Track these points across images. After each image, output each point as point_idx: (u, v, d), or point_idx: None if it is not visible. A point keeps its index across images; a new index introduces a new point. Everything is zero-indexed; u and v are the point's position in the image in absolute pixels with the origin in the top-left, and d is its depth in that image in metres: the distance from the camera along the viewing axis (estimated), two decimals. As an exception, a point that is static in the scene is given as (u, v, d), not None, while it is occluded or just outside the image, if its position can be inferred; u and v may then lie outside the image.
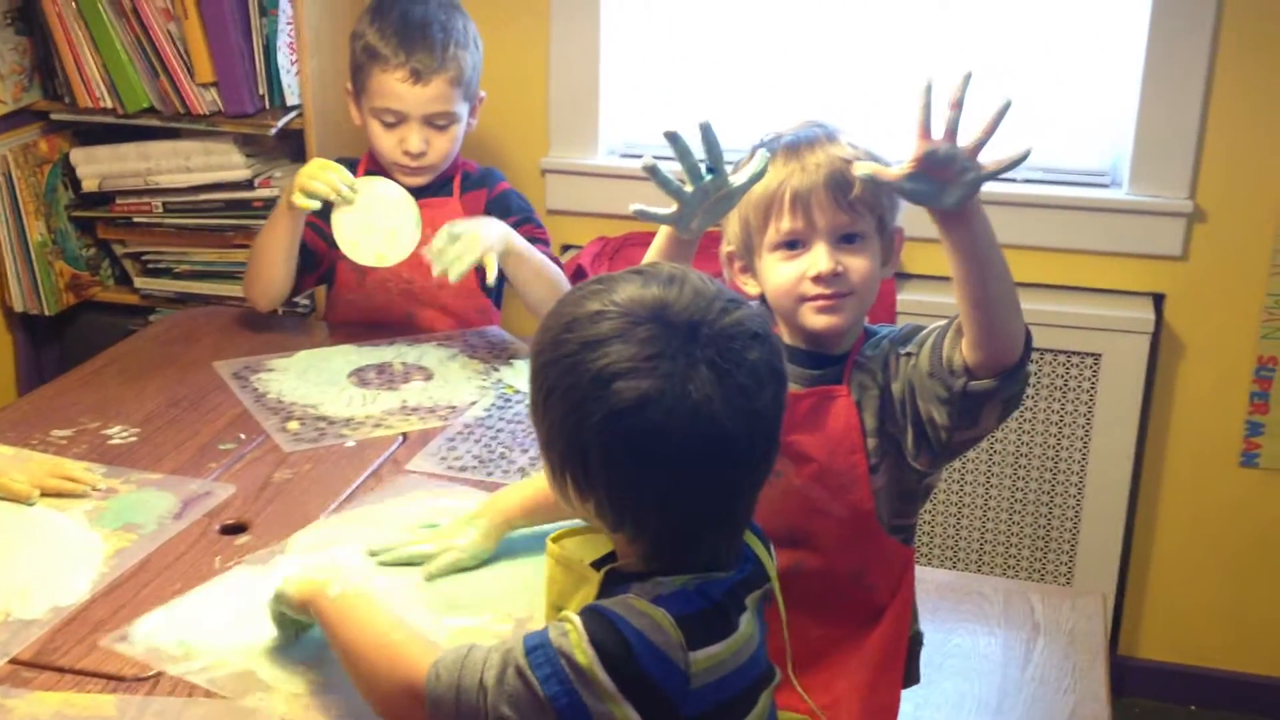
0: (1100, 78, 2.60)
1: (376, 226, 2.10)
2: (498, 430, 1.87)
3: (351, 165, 2.24)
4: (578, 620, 1.08)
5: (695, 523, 1.12)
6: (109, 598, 1.44)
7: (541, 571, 1.26)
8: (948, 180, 1.28)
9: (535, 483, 1.53)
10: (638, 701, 1.05)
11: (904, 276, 2.61)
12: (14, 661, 1.32)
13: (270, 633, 1.34)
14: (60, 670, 1.31)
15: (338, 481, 1.72)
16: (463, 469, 1.76)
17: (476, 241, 1.98)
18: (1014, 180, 2.61)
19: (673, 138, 1.36)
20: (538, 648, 1.07)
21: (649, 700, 1.06)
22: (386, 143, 2.16)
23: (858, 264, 1.46)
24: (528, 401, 1.16)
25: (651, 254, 1.47)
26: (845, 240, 1.46)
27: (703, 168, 1.37)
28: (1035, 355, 2.53)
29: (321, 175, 2.07)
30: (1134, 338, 2.52)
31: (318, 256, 2.21)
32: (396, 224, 2.10)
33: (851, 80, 2.67)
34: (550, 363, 1.10)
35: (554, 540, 1.23)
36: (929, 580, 1.82)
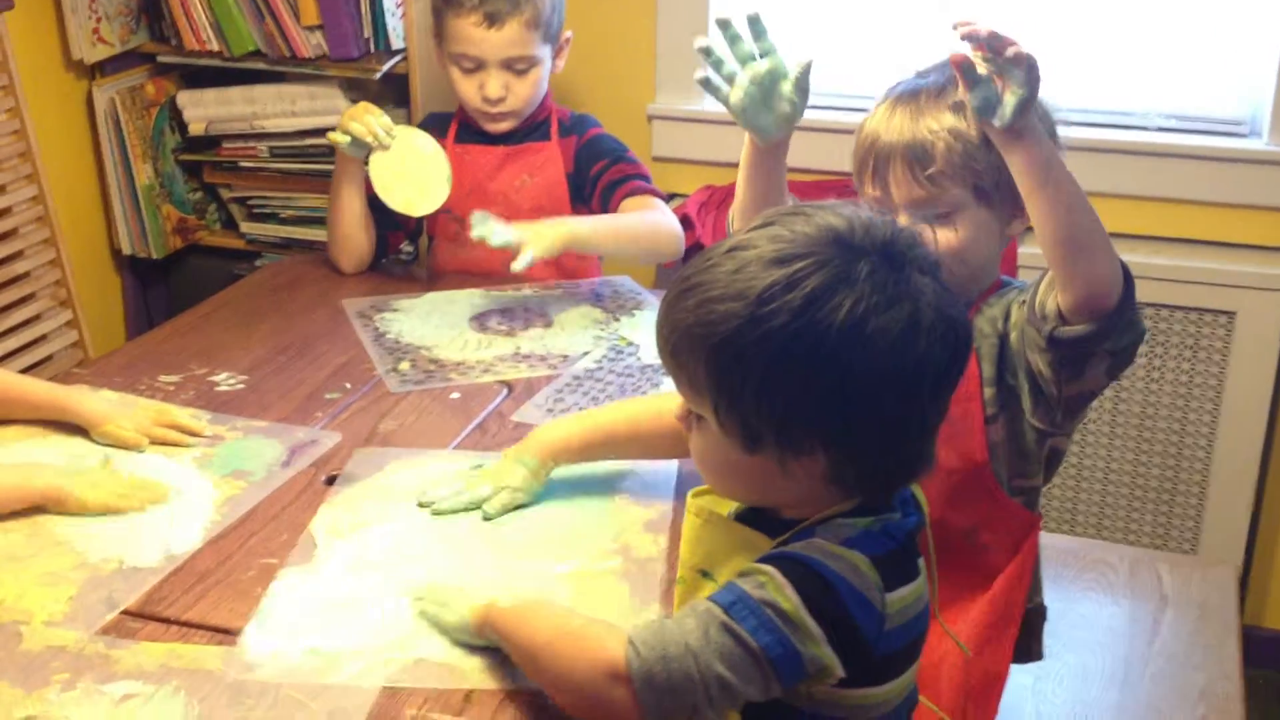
0: (1238, 20, 2.45)
1: (409, 175, 2.09)
2: (607, 383, 1.83)
3: (446, 119, 2.21)
4: (771, 568, 1.04)
5: (914, 451, 1.09)
6: (215, 547, 1.42)
7: (582, 511, 1.34)
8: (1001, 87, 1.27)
9: (583, 420, 1.53)
10: (838, 645, 1.03)
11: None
12: (122, 611, 1.31)
13: (390, 617, 1.29)
14: (166, 621, 1.30)
15: (443, 433, 1.68)
16: (568, 421, 1.72)
17: (522, 229, 1.95)
18: (1145, 129, 2.48)
19: (723, 25, 1.45)
20: (736, 602, 1.04)
21: (849, 643, 1.04)
22: (467, 89, 2.13)
23: (944, 237, 1.42)
24: (702, 387, 1.07)
25: (742, 169, 1.51)
26: (932, 214, 1.41)
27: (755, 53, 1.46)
28: (1165, 312, 2.45)
29: (362, 117, 2.06)
30: (1270, 295, 2.39)
31: (402, 220, 2.18)
32: (427, 177, 2.09)
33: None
34: (764, 337, 1.02)
35: (695, 497, 1.18)
36: (1050, 546, 1.74)
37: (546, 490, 1.50)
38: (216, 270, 2.77)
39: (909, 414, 1.06)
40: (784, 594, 1.03)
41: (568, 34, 2.20)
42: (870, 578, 1.05)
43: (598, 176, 2.16)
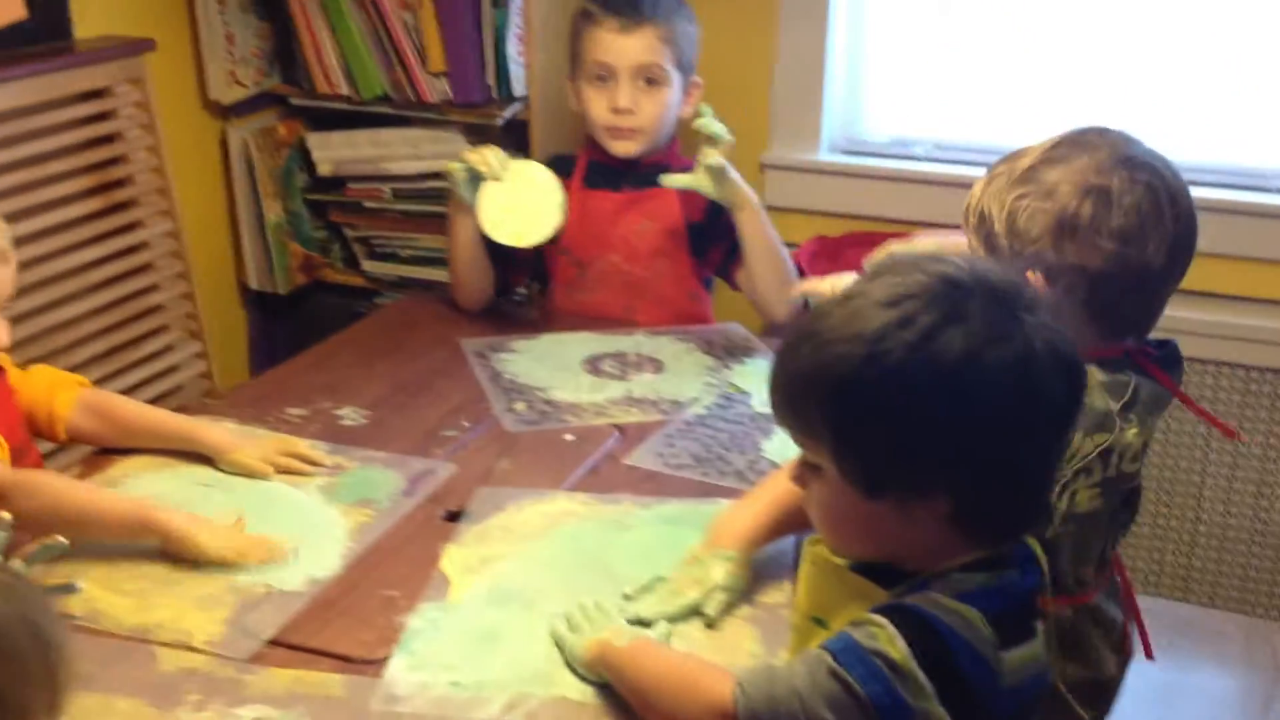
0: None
1: (521, 206, 2.14)
2: (717, 430, 1.85)
3: (570, 161, 2.26)
4: (883, 619, 1.05)
5: (1035, 495, 1.10)
6: (340, 578, 1.47)
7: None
8: None
9: (756, 504, 1.46)
10: (948, 700, 1.03)
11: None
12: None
13: (528, 653, 1.33)
14: (293, 648, 1.35)
15: (558, 474, 1.72)
16: (679, 466, 1.75)
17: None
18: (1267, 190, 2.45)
19: None
20: (846, 650, 1.05)
21: (960, 699, 1.04)
22: (598, 105, 2.18)
23: None
24: (821, 433, 1.08)
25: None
26: None
27: None
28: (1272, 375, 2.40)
29: (476, 154, 2.14)
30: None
31: (522, 253, 2.23)
32: (540, 205, 2.13)
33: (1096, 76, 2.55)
34: (882, 375, 1.03)
35: (812, 545, 1.19)
36: (1163, 614, 1.71)
37: (677, 536, 1.51)
38: (337, 307, 2.85)
39: (1030, 451, 1.07)
40: (895, 645, 1.04)
41: (697, 78, 2.25)
42: (985, 634, 1.05)
43: (717, 240, 2.20)
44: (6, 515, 1.30)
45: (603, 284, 2.22)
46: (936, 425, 1.04)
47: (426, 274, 2.81)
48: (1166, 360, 1.45)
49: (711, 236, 2.21)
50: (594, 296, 2.22)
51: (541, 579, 1.46)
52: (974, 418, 1.03)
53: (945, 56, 2.64)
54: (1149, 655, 1.55)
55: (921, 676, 1.03)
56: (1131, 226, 1.35)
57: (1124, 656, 1.54)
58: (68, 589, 1.33)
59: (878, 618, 1.06)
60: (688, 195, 2.19)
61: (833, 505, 1.12)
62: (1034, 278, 1.36)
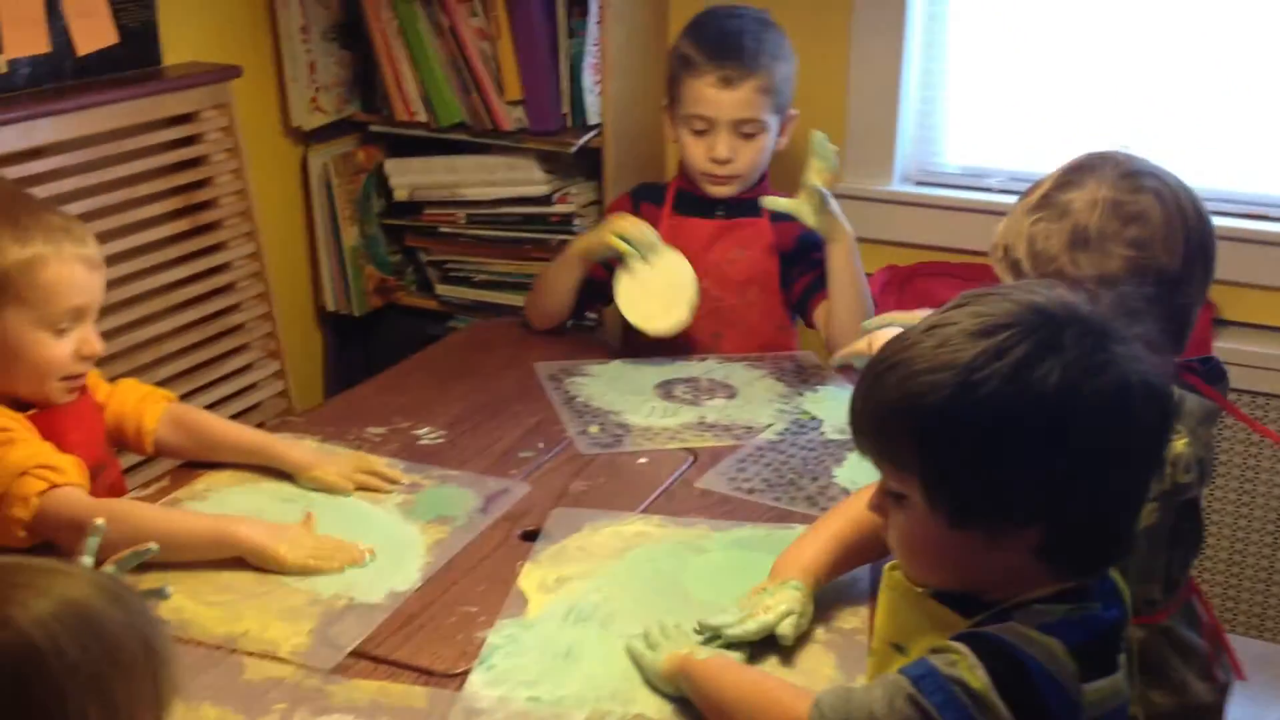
0: None
1: (656, 291, 2.15)
2: (789, 456, 1.86)
3: (660, 190, 2.28)
4: (963, 647, 1.06)
5: (1124, 526, 1.10)
6: (419, 593, 1.50)
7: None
8: None
9: (819, 537, 1.46)
10: None
11: (1222, 323, 2.46)
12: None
13: (607, 671, 1.35)
14: (376, 660, 1.37)
15: (632, 496, 1.74)
16: (750, 491, 1.76)
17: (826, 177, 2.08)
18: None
19: None
20: (924, 676, 1.06)
21: None
22: (695, 152, 2.20)
23: None
24: (909, 464, 1.08)
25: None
26: None
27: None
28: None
29: (635, 229, 2.14)
30: None
31: (600, 286, 2.25)
32: (675, 298, 2.14)
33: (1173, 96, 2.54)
34: (976, 405, 1.03)
35: (891, 570, 1.19)
36: (1241, 652, 1.69)
37: (751, 560, 1.52)
38: (411, 329, 2.89)
39: (1123, 483, 1.07)
40: (975, 674, 1.04)
41: (794, 111, 2.27)
42: (1067, 665, 1.05)
43: (796, 278, 2.22)
44: (100, 521, 1.35)
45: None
46: (1032, 457, 1.04)
47: (499, 298, 2.85)
48: (1210, 374, 1.47)
49: (798, 267, 2.22)
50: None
51: (617, 599, 1.48)
52: (1070, 449, 1.03)
53: (1021, 87, 2.64)
54: (1239, 675, 1.55)
55: (1001, 706, 1.03)
56: (1142, 232, 1.39)
57: (1214, 684, 1.53)
58: (159, 594, 1.37)
59: (959, 645, 1.06)
60: (780, 226, 2.20)
61: (916, 534, 1.12)
62: None
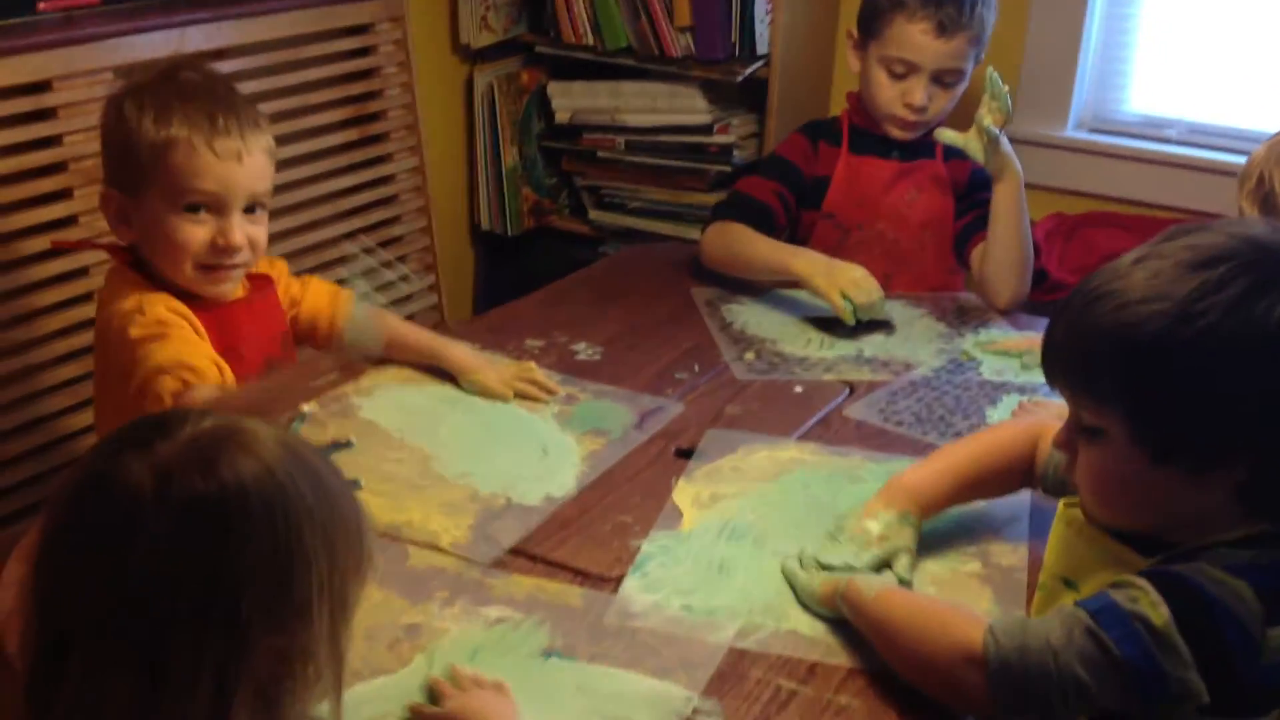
0: None
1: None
2: (942, 392, 1.83)
3: (832, 127, 2.23)
4: (1146, 583, 1.04)
5: None
6: (577, 501, 1.52)
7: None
8: None
9: (938, 468, 1.42)
10: (1207, 671, 1.01)
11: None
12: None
13: (758, 585, 1.35)
14: (533, 559, 1.40)
15: (786, 423, 1.73)
16: (899, 424, 1.74)
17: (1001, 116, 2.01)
18: None
19: None
20: (1104, 610, 1.04)
21: (1218, 669, 1.02)
22: (888, 94, 2.13)
23: None
24: (1113, 395, 1.06)
25: None
26: None
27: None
28: None
29: (865, 294, 1.98)
30: None
31: (779, 227, 2.23)
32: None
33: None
34: (1196, 337, 1.01)
35: (1069, 505, 1.18)
36: None
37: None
38: (562, 253, 2.92)
39: None
40: (1157, 610, 1.02)
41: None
42: (1253, 607, 1.03)
43: (958, 216, 2.17)
44: (306, 407, 1.39)
45: (863, 250, 2.18)
46: (1245, 391, 1.01)
47: (650, 226, 2.85)
48: None
49: (962, 204, 2.17)
50: (853, 261, 2.20)
51: (771, 520, 1.48)
52: None
53: (1215, 34, 2.53)
54: None
55: (1182, 644, 1.01)
56: None
57: None
58: (345, 445, 1.46)
59: (1141, 581, 1.05)
60: (954, 164, 2.15)
61: (1111, 471, 1.10)
62: None
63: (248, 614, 0.83)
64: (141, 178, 1.53)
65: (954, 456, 1.43)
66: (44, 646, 0.85)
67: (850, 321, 1.98)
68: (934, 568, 1.40)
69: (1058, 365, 1.11)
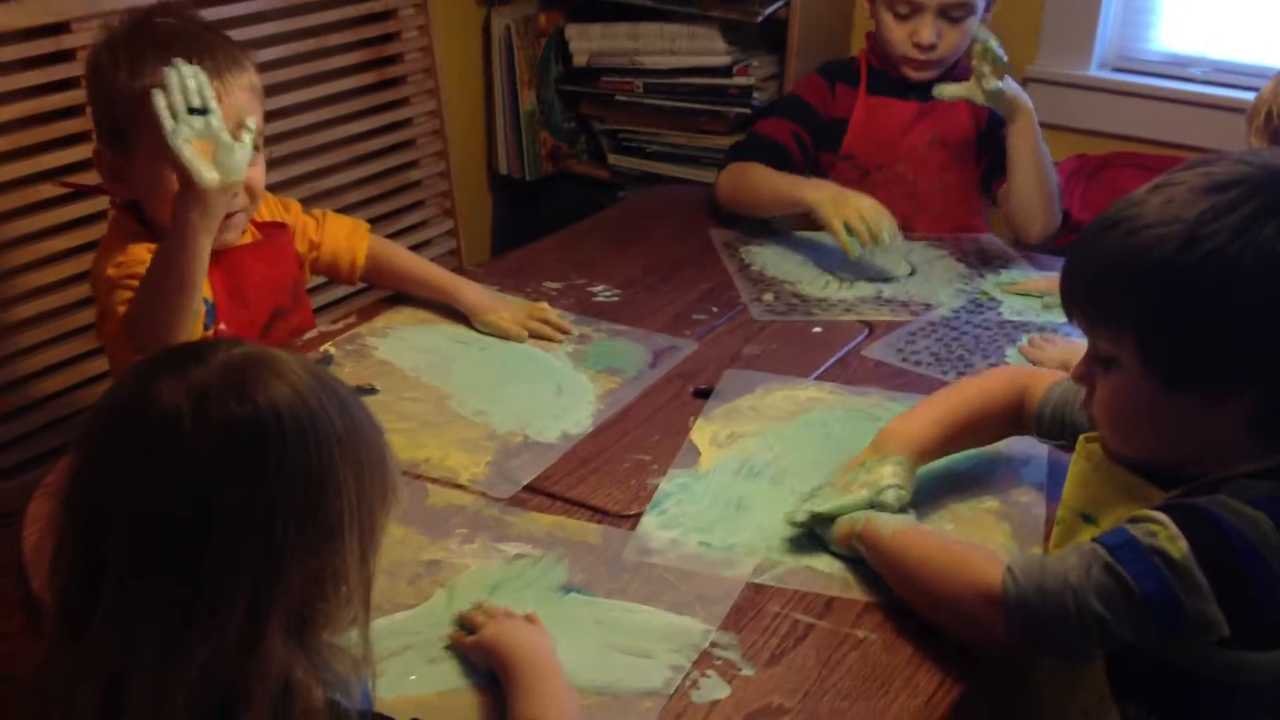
0: None
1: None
2: (961, 332, 1.83)
3: (849, 68, 2.21)
4: (1164, 517, 1.04)
5: None
6: (594, 439, 1.52)
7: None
8: None
9: (932, 414, 1.38)
10: (1225, 601, 1.01)
11: None
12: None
13: (775, 522, 1.35)
14: (551, 496, 1.40)
15: (804, 364, 1.73)
16: (918, 364, 1.74)
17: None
18: None
19: None
20: (1122, 545, 1.04)
21: (1236, 600, 1.02)
22: (897, 34, 2.11)
23: None
24: (1126, 321, 1.06)
25: None
26: None
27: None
28: None
29: (870, 222, 1.95)
30: None
31: (796, 168, 2.20)
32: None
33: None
34: (1204, 259, 1.00)
35: (1088, 441, 1.18)
36: None
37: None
38: (580, 197, 2.91)
39: None
40: (1175, 544, 1.02)
41: None
42: (1273, 540, 1.02)
43: (983, 154, 2.15)
44: (331, 349, 1.39)
45: (883, 192, 2.15)
46: (1254, 315, 1.01)
47: (669, 170, 2.84)
48: None
49: (988, 142, 2.15)
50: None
51: (788, 458, 1.48)
52: None
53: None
54: None
55: (1201, 577, 1.01)
56: None
57: None
58: (369, 390, 1.48)
59: (1159, 515, 1.04)
60: (977, 107, 2.13)
61: (1126, 399, 1.09)
62: None
63: (282, 533, 0.84)
64: (126, 132, 1.51)
65: (941, 405, 1.41)
66: (78, 571, 0.86)
67: (852, 255, 1.94)
68: (954, 505, 1.40)
69: (1073, 294, 1.11)
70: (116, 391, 0.89)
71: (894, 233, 1.95)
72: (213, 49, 1.53)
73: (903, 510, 1.30)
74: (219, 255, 1.60)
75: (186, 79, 1.39)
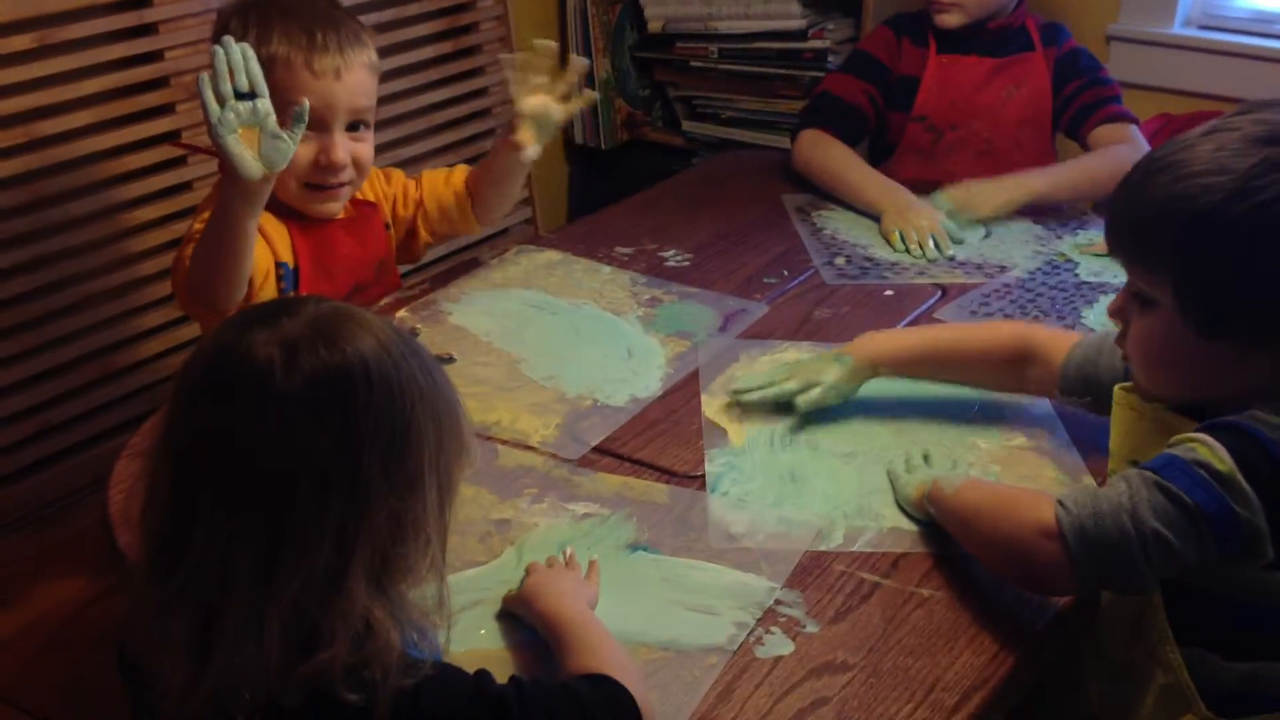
0: None
1: None
2: (1036, 294, 1.81)
3: (914, 20, 2.19)
4: (1204, 435, 1.04)
5: None
6: (662, 402, 1.54)
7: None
8: None
9: (914, 333, 1.51)
10: (1272, 516, 1.01)
11: None
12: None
13: (842, 489, 1.36)
14: (620, 457, 1.42)
15: (875, 326, 1.70)
16: (992, 326, 1.72)
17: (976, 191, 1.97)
18: None
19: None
20: (1167, 465, 1.04)
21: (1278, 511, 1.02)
22: None
23: None
24: (1166, 265, 1.06)
25: None
26: None
27: None
28: None
29: (924, 239, 1.95)
30: None
31: (869, 130, 2.19)
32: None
33: None
34: (1253, 210, 1.01)
35: (1124, 389, 1.18)
36: None
37: (988, 394, 1.49)
38: (656, 165, 2.90)
39: None
40: (1218, 456, 1.02)
41: None
42: None
43: (1072, 97, 2.11)
44: (409, 320, 1.40)
45: (957, 152, 2.15)
46: None
47: (744, 136, 2.83)
48: None
49: (1070, 85, 2.10)
50: (945, 164, 2.14)
51: (810, 422, 1.47)
52: None
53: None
54: None
55: (1247, 488, 1.01)
56: None
57: None
58: (447, 360, 1.53)
59: (1199, 434, 1.05)
60: (1048, 56, 2.11)
61: (1161, 341, 1.10)
62: None
63: (368, 475, 0.88)
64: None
65: (931, 330, 1.52)
66: (171, 510, 0.90)
67: (896, 250, 1.95)
68: (985, 445, 1.42)
69: (1117, 234, 1.11)
70: (213, 340, 0.93)
71: (942, 250, 1.93)
72: (337, 24, 1.57)
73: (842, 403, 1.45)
74: (313, 225, 1.64)
75: (234, 61, 1.36)
